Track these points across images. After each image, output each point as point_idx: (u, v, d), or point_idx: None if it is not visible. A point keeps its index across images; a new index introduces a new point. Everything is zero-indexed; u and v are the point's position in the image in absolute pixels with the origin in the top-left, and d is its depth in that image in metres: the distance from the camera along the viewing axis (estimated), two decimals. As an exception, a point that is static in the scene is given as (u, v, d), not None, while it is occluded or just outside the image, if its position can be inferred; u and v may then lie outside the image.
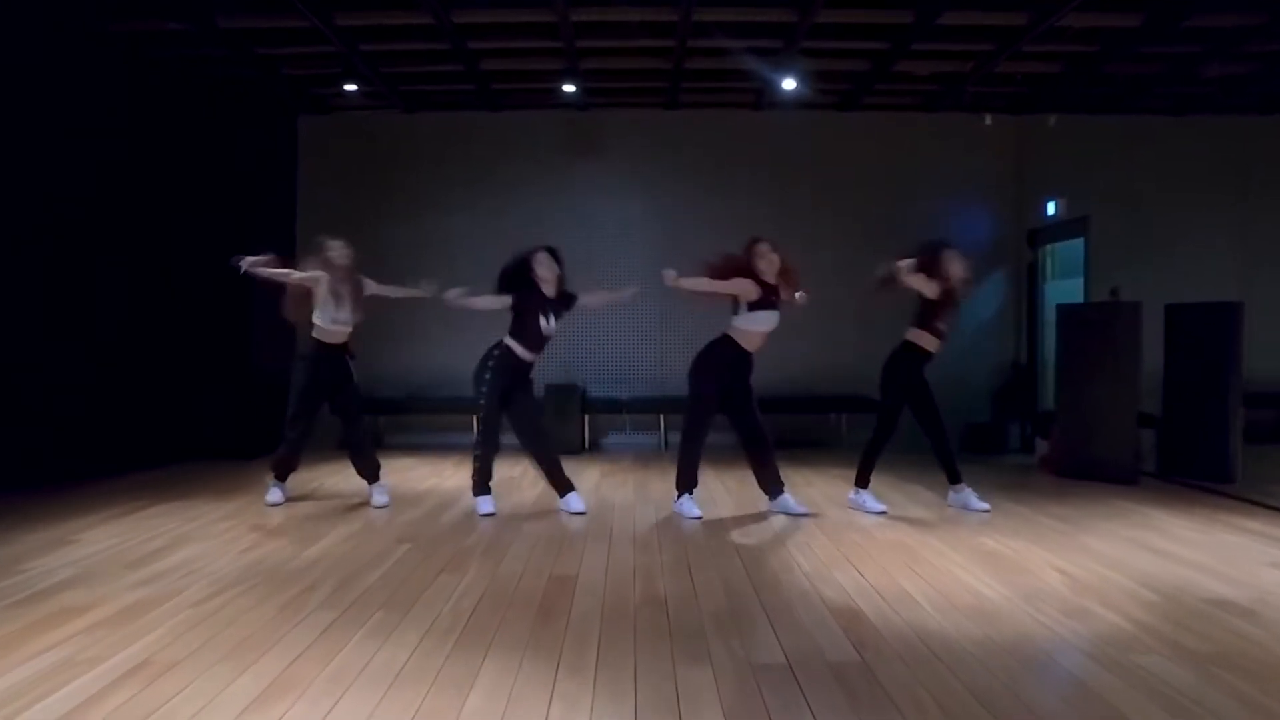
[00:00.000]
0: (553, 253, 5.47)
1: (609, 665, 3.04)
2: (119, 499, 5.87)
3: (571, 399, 8.61)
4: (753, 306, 5.28)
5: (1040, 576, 4.12)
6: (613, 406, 8.86)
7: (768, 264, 5.27)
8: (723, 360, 5.39)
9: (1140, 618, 3.51)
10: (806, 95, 8.46)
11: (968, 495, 5.68)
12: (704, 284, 5.32)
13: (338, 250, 5.73)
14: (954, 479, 5.72)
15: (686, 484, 5.56)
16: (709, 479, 6.51)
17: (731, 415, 5.55)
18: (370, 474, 5.96)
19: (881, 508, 5.56)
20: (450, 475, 7.03)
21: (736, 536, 4.98)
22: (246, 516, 5.43)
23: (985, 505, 5.60)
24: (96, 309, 7.07)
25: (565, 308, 5.55)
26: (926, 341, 5.49)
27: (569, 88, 7.81)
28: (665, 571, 4.27)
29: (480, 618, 3.57)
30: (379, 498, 5.85)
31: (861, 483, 5.69)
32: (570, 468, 7.67)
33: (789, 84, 7.58)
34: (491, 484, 5.67)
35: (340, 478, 6.98)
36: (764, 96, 8.71)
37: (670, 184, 9.24)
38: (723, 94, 8.87)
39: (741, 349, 5.38)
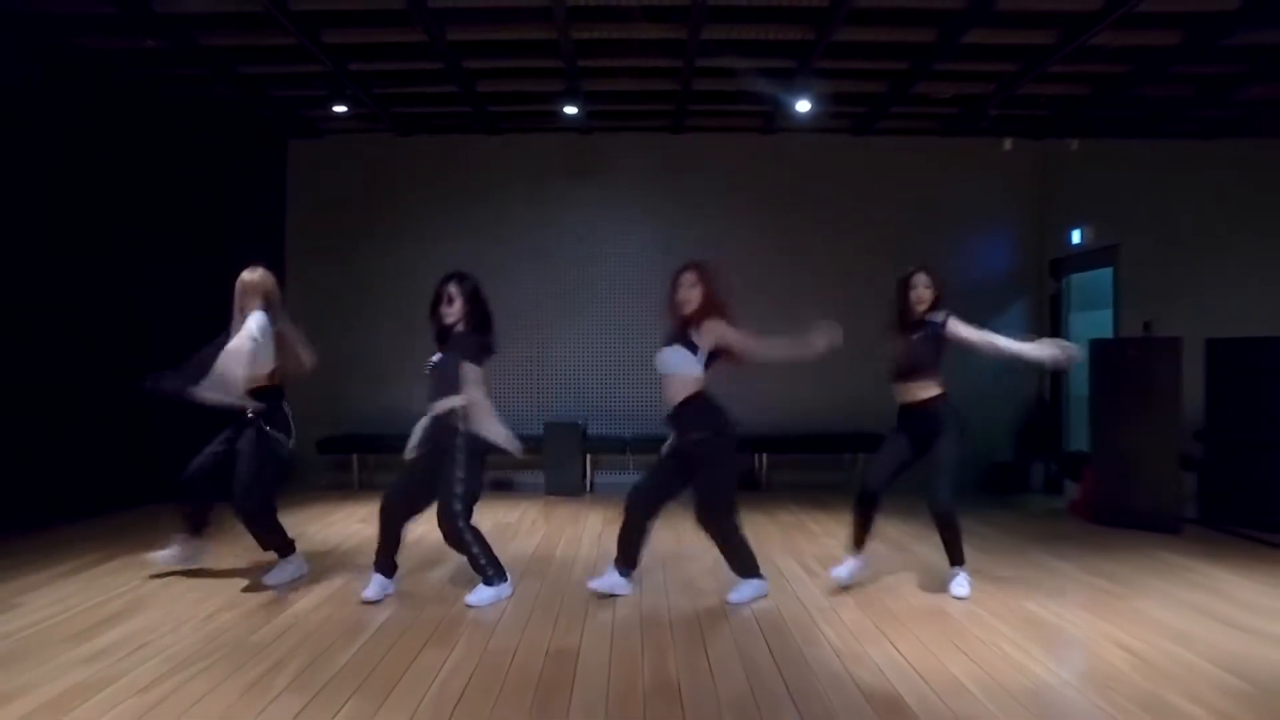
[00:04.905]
0: (459, 280, 4.48)
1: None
2: (73, 551, 5.37)
3: (571, 437, 8.14)
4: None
5: (1102, 655, 3.64)
6: (615, 445, 8.39)
7: (683, 297, 4.42)
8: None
9: (1231, 713, 3.03)
10: (819, 119, 8.09)
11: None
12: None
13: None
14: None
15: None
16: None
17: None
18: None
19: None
20: (441, 521, 6.55)
21: (754, 603, 4.50)
22: (212, 573, 4.93)
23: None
24: (60, 340, 6.59)
25: (467, 347, 4.42)
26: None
27: (571, 110, 7.41)
28: (677, 647, 3.79)
29: (468, 706, 3.11)
30: (276, 575, 4.79)
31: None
32: (570, 512, 7.30)
33: (803, 106, 7.18)
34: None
35: (318, 525, 6.51)
36: (774, 120, 8.33)
37: (676, 211, 8.84)
38: (731, 117, 8.48)
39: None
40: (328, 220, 8.87)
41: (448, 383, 4.37)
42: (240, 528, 4.80)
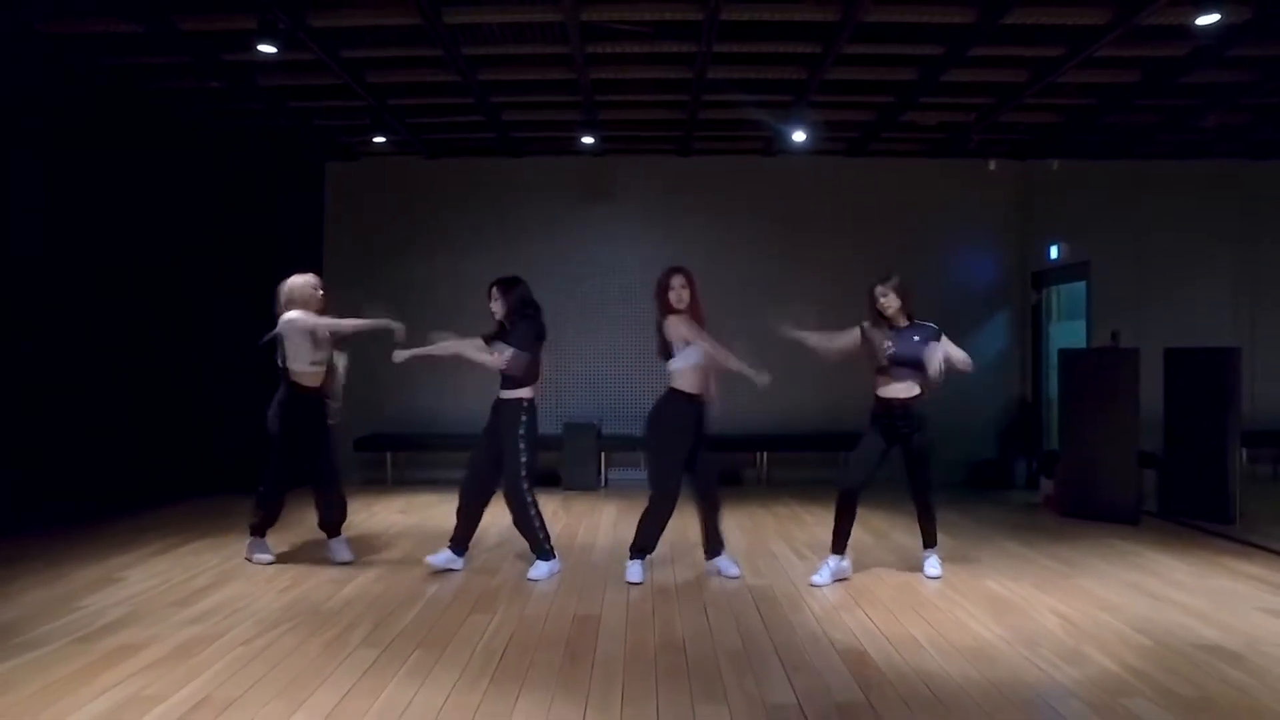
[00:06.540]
0: (499, 284, 5.32)
1: (633, 704, 3.28)
2: (156, 535, 6.15)
3: (588, 436, 8.86)
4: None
5: (1039, 620, 4.33)
6: (628, 443, 9.09)
7: (677, 298, 5.00)
8: (683, 414, 4.99)
9: (1132, 663, 3.72)
10: (815, 142, 8.75)
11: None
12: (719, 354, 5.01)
13: (308, 285, 5.65)
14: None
15: (641, 547, 5.19)
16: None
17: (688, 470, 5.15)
18: (332, 527, 5.59)
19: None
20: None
21: (749, 577, 5.21)
22: (280, 554, 5.67)
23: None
24: (128, 347, 7.38)
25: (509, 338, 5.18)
26: None
27: (588, 139, 8.11)
28: (682, 612, 4.50)
29: (511, 658, 3.81)
30: (341, 553, 5.54)
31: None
32: (586, 504, 8.01)
33: (799, 136, 7.86)
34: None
35: (362, 516, 7.25)
36: (774, 143, 9.01)
37: (683, 227, 9.52)
38: (734, 141, 9.17)
39: (692, 395, 5.01)
40: (362, 236, 9.59)
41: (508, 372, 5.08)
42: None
